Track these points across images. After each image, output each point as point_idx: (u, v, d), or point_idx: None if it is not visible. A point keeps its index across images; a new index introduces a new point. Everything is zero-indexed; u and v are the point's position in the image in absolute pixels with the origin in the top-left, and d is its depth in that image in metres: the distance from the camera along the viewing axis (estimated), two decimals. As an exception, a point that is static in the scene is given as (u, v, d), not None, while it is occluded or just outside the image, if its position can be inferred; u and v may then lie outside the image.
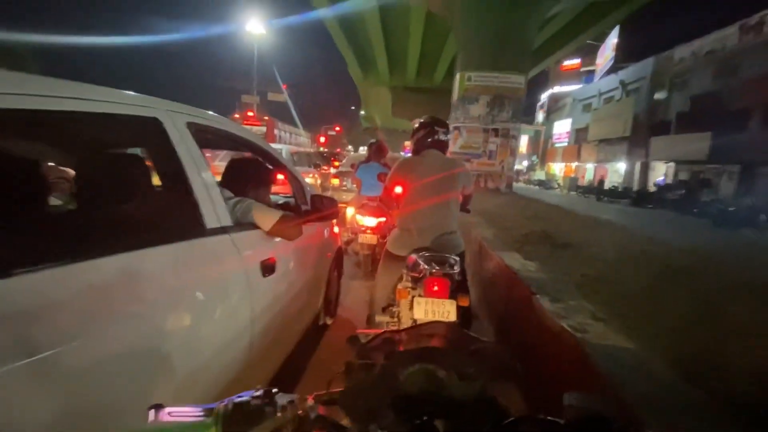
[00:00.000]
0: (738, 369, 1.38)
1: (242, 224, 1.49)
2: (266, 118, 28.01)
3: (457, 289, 1.85)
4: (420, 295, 1.81)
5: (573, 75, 36.42)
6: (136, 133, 1.21)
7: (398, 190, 2.27)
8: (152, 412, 0.47)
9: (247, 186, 1.77)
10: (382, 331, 0.61)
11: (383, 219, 4.00)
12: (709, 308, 1.99)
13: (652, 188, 19.42)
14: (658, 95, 21.23)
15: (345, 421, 0.47)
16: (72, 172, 1.91)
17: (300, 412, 0.45)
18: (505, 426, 0.49)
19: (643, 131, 21.12)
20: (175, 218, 1.20)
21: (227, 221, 1.35)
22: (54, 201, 1.46)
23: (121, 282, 0.89)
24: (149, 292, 0.96)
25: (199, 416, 0.46)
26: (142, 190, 1.20)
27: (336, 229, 2.91)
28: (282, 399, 0.46)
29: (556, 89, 35.53)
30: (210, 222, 1.25)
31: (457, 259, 1.91)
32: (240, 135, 1.74)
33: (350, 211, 4.60)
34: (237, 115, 22.74)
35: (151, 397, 0.89)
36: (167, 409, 0.47)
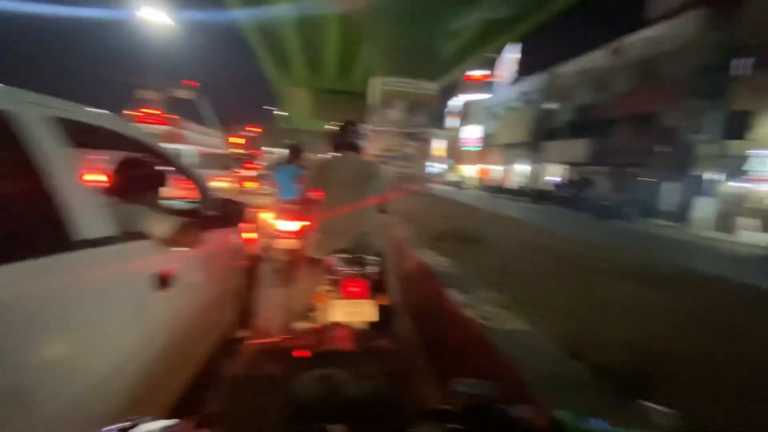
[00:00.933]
0: (609, 342, 1.62)
1: (129, 233, 1.31)
2: (173, 117, 25.50)
3: (375, 288, 1.87)
4: (338, 298, 1.79)
5: (482, 84, 39.86)
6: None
7: (315, 195, 2.22)
8: None
9: (137, 190, 1.57)
10: (279, 339, 0.58)
11: (303, 223, 3.88)
12: (589, 291, 2.30)
13: (549, 187, 22.13)
14: (550, 105, 24.29)
15: None
16: None
17: None
18: (404, 421, 0.50)
19: (539, 137, 23.99)
20: (31, 231, 1.00)
21: (106, 231, 1.17)
22: None
23: None
24: None
25: None
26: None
27: (254, 235, 2.74)
28: (156, 427, 0.41)
29: (464, 97, 38.54)
30: (80, 233, 1.07)
31: (377, 259, 1.92)
32: (125, 133, 1.53)
33: (269, 216, 4.39)
34: (127, 112, 20.20)
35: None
36: None
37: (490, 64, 34.73)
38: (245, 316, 2.59)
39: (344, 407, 0.48)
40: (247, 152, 18.17)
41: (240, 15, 17.89)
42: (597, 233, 8.56)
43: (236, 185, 8.15)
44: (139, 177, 1.64)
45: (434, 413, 0.49)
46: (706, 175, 14.18)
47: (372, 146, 12.33)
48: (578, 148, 19.76)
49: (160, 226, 1.39)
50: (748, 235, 12.14)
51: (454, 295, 1.92)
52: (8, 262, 0.86)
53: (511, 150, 27.84)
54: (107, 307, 1.11)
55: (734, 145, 13.60)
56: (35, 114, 1.06)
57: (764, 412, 1.24)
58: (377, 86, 12.45)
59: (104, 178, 1.66)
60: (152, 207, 1.52)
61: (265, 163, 7.56)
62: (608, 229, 10.46)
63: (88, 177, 1.19)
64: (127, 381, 1.14)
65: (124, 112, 19.56)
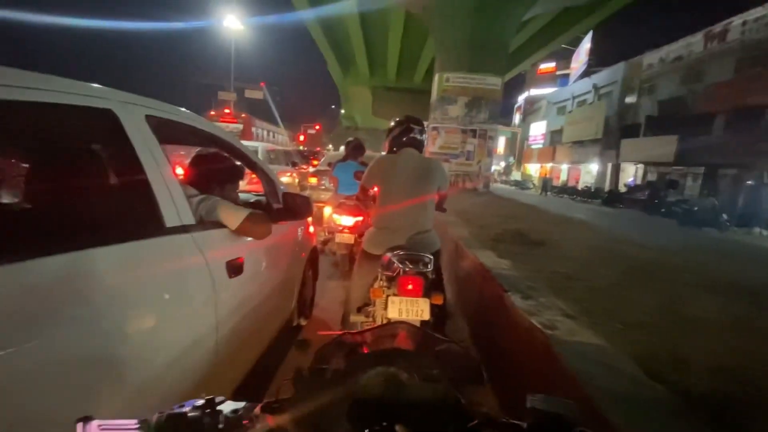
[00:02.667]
0: (696, 363, 1.43)
1: (207, 223, 1.43)
2: (243, 115, 27.46)
3: (431, 287, 1.85)
4: (394, 294, 1.79)
5: (548, 78, 37.50)
6: (88, 126, 1.13)
7: (374, 189, 2.25)
8: (80, 425, 0.43)
9: (213, 183, 1.70)
10: (342, 333, 0.58)
11: (360, 218, 3.97)
12: (671, 304, 2.06)
13: (622, 189, 20.17)
14: (628, 99, 22.08)
15: None
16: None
17: (245, 422, 0.42)
18: (467, 430, 0.47)
19: (614, 133, 21.92)
20: (131, 216, 1.13)
21: (189, 220, 1.29)
22: (8, 198, 1.37)
23: (69, 282, 0.83)
24: (100, 292, 0.90)
25: (130, 429, 0.42)
26: (95, 187, 1.13)
27: (312, 229, 2.86)
28: (227, 408, 0.43)
29: (533, 92, 36.45)
30: (170, 220, 1.19)
31: (431, 257, 1.90)
32: (206, 130, 1.66)
33: (327, 211, 4.54)
34: (213, 113, 22.18)
35: (96, 408, 0.83)
36: (96, 422, 0.43)
37: (560, 55, 32.58)
38: (304, 306, 2.71)
39: (407, 408, 0.47)
40: (311, 149, 19.01)
41: (306, 15, 18.63)
42: (681, 241, 7.63)
43: (300, 180, 8.53)
44: (216, 170, 1.77)
45: (506, 426, 0.46)
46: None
47: (432, 143, 12.20)
48: (661, 145, 17.66)
49: (234, 216, 1.50)
50: None
51: (515, 300, 1.83)
52: (112, 244, 0.98)
53: (579, 148, 25.80)
54: (189, 289, 1.22)
55: None
56: (133, 112, 1.18)
57: None
58: (437, 82, 12.27)
59: (183, 171, 1.82)
60: (227, 199, 1.63)
61: (326, 160, 7.82)
62: (694, 237, 9.26)
63: (174, 170, 1.32)
64: (198, 361, 1.23)
65: (211, 113, 21.49)
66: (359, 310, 2.28)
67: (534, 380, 1.48)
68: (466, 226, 4.28)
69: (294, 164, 9.88)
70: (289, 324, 2.39)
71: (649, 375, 1.24)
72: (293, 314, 2.44)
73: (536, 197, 19.56)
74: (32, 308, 0.75)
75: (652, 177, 20.14)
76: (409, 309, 1.74)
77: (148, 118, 1.25)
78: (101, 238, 0.96)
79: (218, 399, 0.44)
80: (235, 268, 1.46)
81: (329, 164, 6.08)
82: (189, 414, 0.40)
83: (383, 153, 2.44)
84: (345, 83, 31.02)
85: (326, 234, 4.51)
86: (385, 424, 0.44)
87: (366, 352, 0.56)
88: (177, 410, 0.41)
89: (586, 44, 28.95)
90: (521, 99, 38.48)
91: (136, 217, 1.14)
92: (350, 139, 4.87)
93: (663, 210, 14.42)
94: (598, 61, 28.23)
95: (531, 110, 35.82)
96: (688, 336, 1.72)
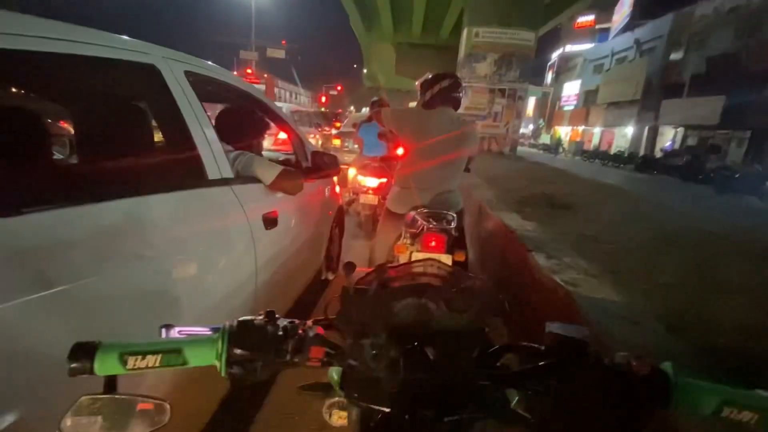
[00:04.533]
0: (720, 323, 1.45)
1: (244, 177, 1.50)
2: (265, 75, 27.15)
3: (453, 244, 1.89)
4: (417, 251, 1.85)
5: (586, 33, 34.67)
6: (133, 81, 1.18)
7: (400, 148, 2.24)
8: (163, 330, 0.51)
9: (243, 138, 1.75)
10: (380, 265, 0.63)
11: (384, 180, 3.99)
12: (698, 268, 2.04)
13: (658, 154, 19.10)
14: (674, 56, 20.30)
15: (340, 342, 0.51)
16: (69, 129, 1.90)
17: (300, 331, 0.48)
18: (490, 353, 0.53)
19: (655, 94, 20.43)
20: (176, 168, 1.21)
21: (228, 173, 1.36)
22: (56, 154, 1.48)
23: (125, 225, 0.91)
24: (153, 236, 0.98)
25: (206, 333, 0.49)
26: (142, 140, 1.20)
27: (338, 189, 2.92)
28: (283, 322, 0.49)
29: (568, 48, 34.00)
30: (212, 173, 1.26)
31: (455, 215, 1.93)
32: (241, 88, 1.70)
33: (352, 172, 4.58)
34: (234, 73, 22.01)
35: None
36: (177, 328, 0.51)
37: (600, 7, 29.89)
38: (331, 262, 2.83)
39: (435, 334, 0.53)
40: (333, 110, 18.77)
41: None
42: (716, 208, 7.28)
43: (323, 142, 8.54)
44: (248, 126, 1.82)
45: (525, 349, 0.52)
46: None
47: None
48: (706, 106, 16.34)
49: (269, 172, 1.56)
50: None
51: (538, 259, 1.86)
52: (160, 192, 1.05)
53: (615, 109, 24.27)
54: (231, 237, 1.31)
55: None
56: (173, 68, 1.23)
57: None
58: (466, 38, 11.63)
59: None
60: (258, 155, 1.69)
61: (350, 121, 7.75)
62: (733, 205, 8.79)
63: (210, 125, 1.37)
64: (239, 307, 1.31)
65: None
66: (384, 266, 2.36)
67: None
68: (491, 188, 4.24)
69: (318, 126, 9.85)
70: (317, 277, 2.52)
71: (671, 331, 1.27)
72: (322, 269, 2.56)
73: (565, 161, 18.86)
74: (99, 245, 0.84)
75: (692, 142, 18.91)
76: (431, 264, 1.80)
77: (187, 73, 1.29)
78: (152, 187, 1.04)
79: (276, 315, 0.51)
80: (270, 221, 1.54)
81: (354, 125, 6.04)
82: (255, 322, 0.47)
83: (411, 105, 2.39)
84: (368, 40, 29.85)
85: (351, 195, 4.58)
86: (416, 343, 0.51)
87: (399, 285, 0.61)
88: (244, 318, 0.48)
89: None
90: (555, 56, 36.06)
91: (181, 169, 1.21)
92: (375, 98, 4.79)
93: (701, 176, 13.65)
94: (642, 13, 25.64)
95: (565, 68, 33.64)
96: (714, 298, 1.72)
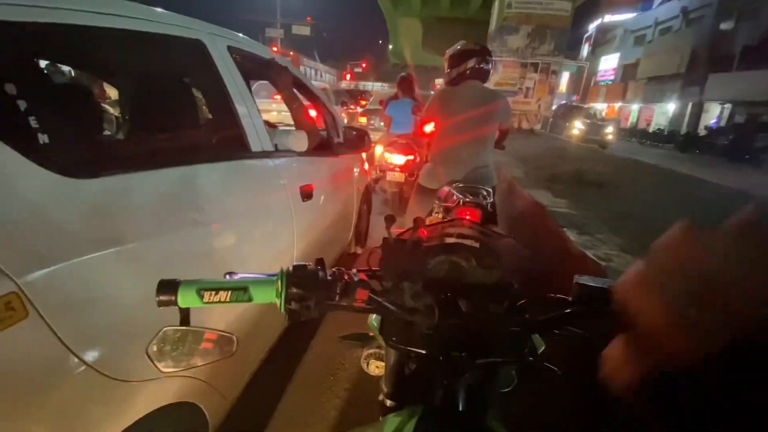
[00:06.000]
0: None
1: (281, 150, 1.56)
2: (291, 53, 27.06)
3: (487, 219, 1.90)
4: (451, 225, 1.87)
5: (628, 2, 32.24)
6: (181, 56, 1.24)
7: (430, 126, 2.22)
8: (227, 276, 0.57)
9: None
10: (415, 218, 0.66)
11: (411, 157, 3.99)
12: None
13: (702, 132, 17.87)
14: (724, 25, 18.63)
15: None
16: (110, 109, 2.01)
17: (346, 277, 0.53)
18: (519, 306, 0.57)
19: (701, 67, 18.94)
20: (223, 140, 1.27)
21: (269, 147, 1.41)
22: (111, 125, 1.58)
23: (179, 191, 0.98)
24: (204, 202, 1.04)
25: (265, 277, 0.55)
26: (191, 113, 1.27)
27: (366, 166, 2.95)
28: (331, 269, 0.53)
29: (607, 19, 31.83)
30: (254, 146, 1.32)
31: (490, 190, 1.92)
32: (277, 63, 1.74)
33: (379, 149, 4.59)
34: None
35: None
36: (240, 274, 0.57)
37: (645, -28, 27.64)
38: (360, 236, 2.90)
39: (467, 288, 0.57)
40: (358, 88, 18.56)
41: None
42: (764, 186, 6.82)
43: (348, 120, 8.53)
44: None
45: (553, 300, 0.55)
46: None
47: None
48: (758, 81, 15.08)
49: (299, 140, 1.61)
50: None
51: (570, 235, 1.85)
52: (206, 162, 1.12)
53: (656, 84, 22.68)
54: (271, 205, 1.38)
55: None
56: (218, 43, 1.28)
57: None
58: (498, 9, 11.12)
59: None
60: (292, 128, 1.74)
61: (376, 98, 7.68)
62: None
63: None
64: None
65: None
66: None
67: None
68: (522, 166, 4.16)
69: (344, 104, 9.83)
70: (347, 250, 2.60)
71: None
72: (351, 242, 2.64)
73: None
74: (154, 208, 0.90)
75: (739, 119, 17.56)
76: (465, 239, 1.82)
77: (230, 49, 1.33)
78: (203, 156, 1.11)
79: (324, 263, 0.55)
80: (306, 194, 1.60)
81: (380, 102, 6.00)
82: (308, 267, 0.52)
83: (431, 93, 2.36)
84: (394, 15, 29.07)
85: (377, 172, 4.61)
86: (449, 294, 0.55)
87: (434, 244, 0.65)
88: (299, 263, 0.53)
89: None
90: (592, 28, 33.88)
91: (227, 141, 1.28)
92: (402, 74, 4.72)
93: (747, 156, 12.75)
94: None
95: (603, 41, 31.60)
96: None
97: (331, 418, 1.42)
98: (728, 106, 18.15)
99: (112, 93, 2.45)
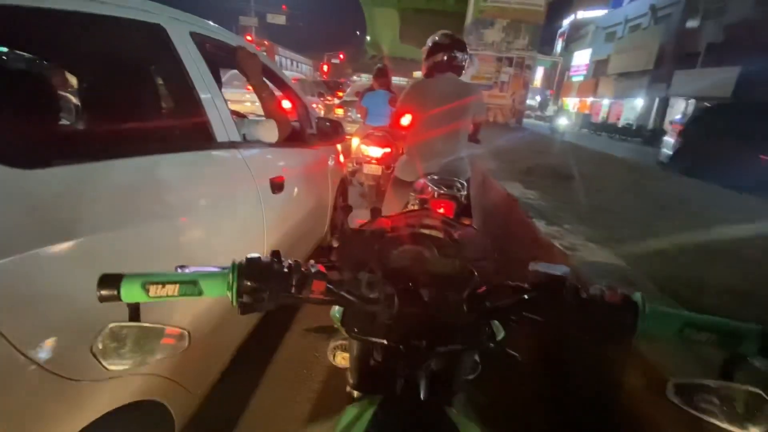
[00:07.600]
0: (711, 286, 1.50)
1: (250, 141, 1.52)
2: (266, 42, 26.38)
3: (462, 212, 1.92)
4: (425, 217, 1.88)
5: (600, -2, 33.08)
6: (139, 41, 1.18)
7: (407, 119, 2.21)
8: (178, 269, 0.55)
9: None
10: (373, 209, 0.67)
11: (388, 149, 3.98)
12: (698, 237, 2.07)
13: (668, 127, 18.67)
14: (690, 23, 19.44)
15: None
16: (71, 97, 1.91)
17: (304, 269, 0.52)
18: (479, 294, 0.58)
19: (668, 64, 19.72)
20: (185, 130, 1.23)
21: (236, 137, 1.37)
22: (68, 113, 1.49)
23: (137, 182, 0.94)
24: (163, 193, 1.00)
25: (220, 271, 0.53)
26: (150, 101, 1.21)
27: (341, 158, 2.92)
28: (288, 260, 0.52)
29: (580, 15, 32.59)
30: (220, 136, 1.28)
31: (464, 183, 1.94)
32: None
33: (355, 142, 4.55)
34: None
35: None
36: (191, 268, 0.55)
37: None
38: (336, 230, 2.88)
39: (429, 277, 0.57)
40: (335, 79, 18.33)
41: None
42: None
43: (325, 113, 8.42)
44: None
45: (511, 287, 0.56)
46: None
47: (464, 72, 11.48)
48: (719, 77, 15.84)
49: (270, 131, 1.57)
50: None
51: (539, 225, 1.90)
52: (169, 152, 1.08)
53: (625, 80, 23.50)
54: (238, 197, 1.34)
55: None
56: (180, 28, 1.22)
57: None
58: (475, 3, 11.17)
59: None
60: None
61: (353, 90, 7.61)
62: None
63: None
64: None
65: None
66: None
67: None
68: (495, 160, 4.23)
69: (320, 95, 9.69)
70: (323, 243, 2.57)
71: (664, 292, 1.32)
72: (327, 234, 2.62)
73: (571, 134, 18.55)
74: (113, 200, 0.86)
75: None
76: (439, 231, 1.84)
77: (193, 34, 1.28)
78: (162, 146, 1.06)
79: (280, 254, 0.54)
80: (277, 186, 1.57)
81: (356, 93, 5.94)
82: (262, 259, 0.51)
83: (418, 76, 2.35)
84: (371, 6, 28.75)
85: (354, 165, 4.57)
86: (410, 284, 0.55)
87: (397, 234, 0.65)
88: (252, 255, 0.51)
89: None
90: (566, 24, 34.63)
91: (190, 131, 1.23)
92: (379, 65, 4.69)
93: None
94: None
95: (576, 36, 32.40)
96: (711, 265, 1.76)
97: (306, 412, 1.42)
98: (692, 101, 18.99)
99: (75, 81, 2.32)
